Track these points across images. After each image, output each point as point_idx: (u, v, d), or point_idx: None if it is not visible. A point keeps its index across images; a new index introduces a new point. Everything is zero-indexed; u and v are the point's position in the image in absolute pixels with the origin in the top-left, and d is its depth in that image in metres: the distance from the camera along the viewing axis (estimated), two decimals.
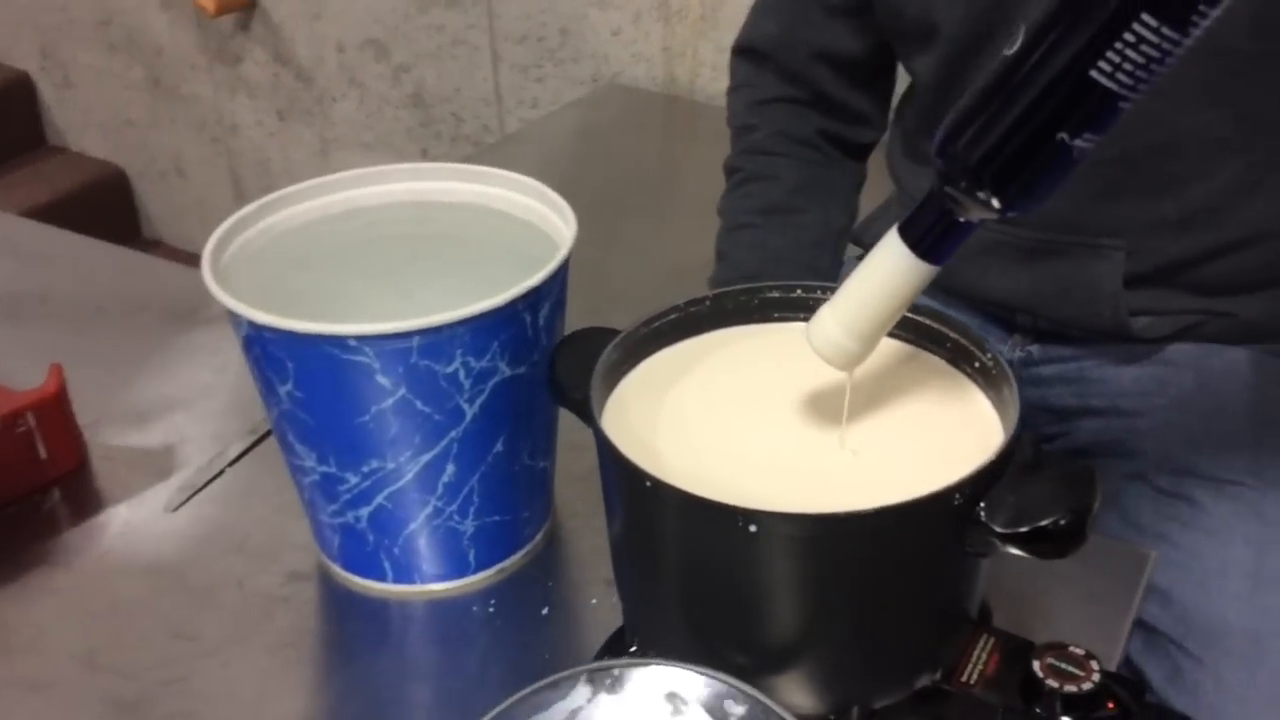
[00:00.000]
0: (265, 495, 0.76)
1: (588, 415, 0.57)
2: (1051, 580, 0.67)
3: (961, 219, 0.52)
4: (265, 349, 0.61)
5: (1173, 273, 0.81)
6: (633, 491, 0.53)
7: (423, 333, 0.58)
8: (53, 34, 2.43)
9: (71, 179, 2.48)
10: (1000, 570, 0.66)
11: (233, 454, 0.79)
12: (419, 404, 0.61)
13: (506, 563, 0.70)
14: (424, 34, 1.95)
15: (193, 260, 1.11)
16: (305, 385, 0.61)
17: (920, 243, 0.53)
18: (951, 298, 0.92)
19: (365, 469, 0.63)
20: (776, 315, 0.64)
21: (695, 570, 0.53)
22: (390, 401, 0.60)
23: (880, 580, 0.51)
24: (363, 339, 0.58)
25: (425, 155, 2.08)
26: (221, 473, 0.78)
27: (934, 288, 0.55)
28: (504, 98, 1.93)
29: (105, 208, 2.51)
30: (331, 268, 0.72)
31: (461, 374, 0.61)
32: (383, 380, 0.60)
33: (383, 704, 0.62)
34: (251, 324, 0.59)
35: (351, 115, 2.12)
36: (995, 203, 0.50)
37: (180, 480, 0.77)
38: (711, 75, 1.71)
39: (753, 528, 0.48)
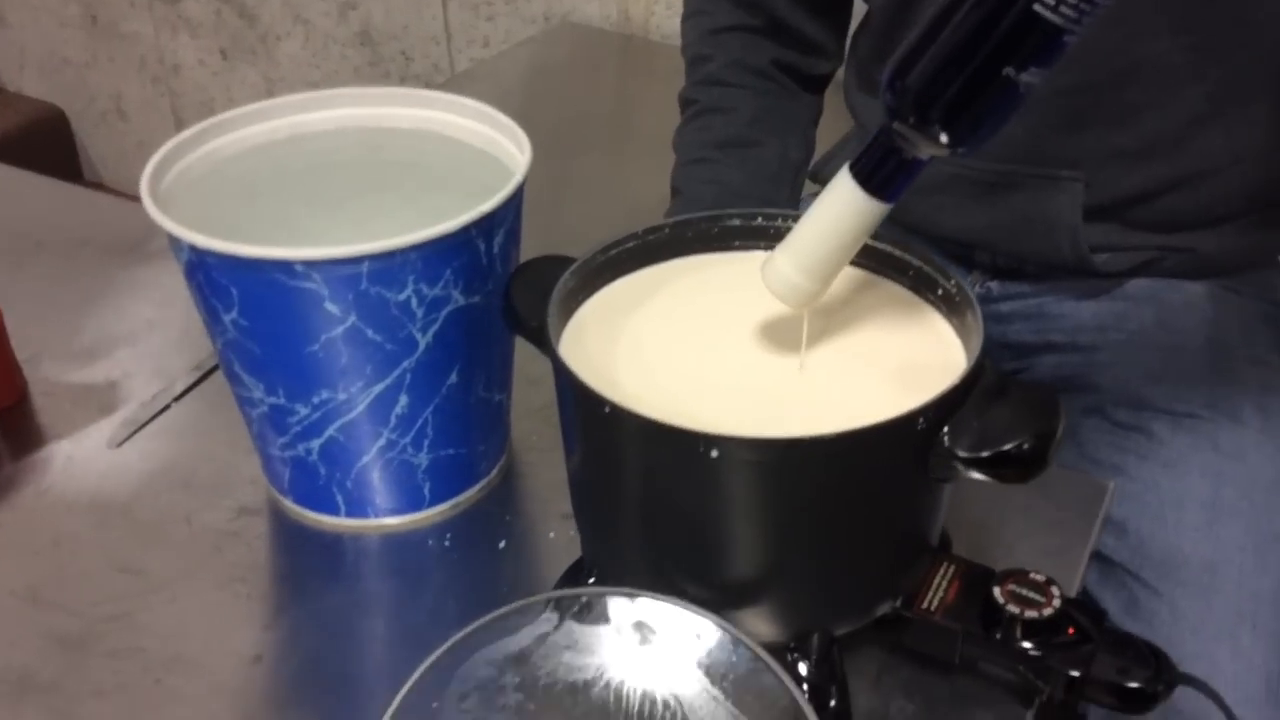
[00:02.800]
0: (212, 430, 0.74)
1: (544, 342, 0.56)
2: (1010, 510, 0.67)
3: (911, 156, 0.52)
4: (208, 275, 0.58)
5: (1131, 205, 0.81)
6: (591, 419, 0.52)
7: (373, 258, 0.57)
8: None
9: (9, 120, 2.40)
10: (960, 499, 0.66)
11: (178, 389, 0.77)
12: (370, 333, 0.59)
13: (462, 497, 0.68)
14: None
15: (136, 200, 1.08)
16: (251, 313, 0.59)
17: (871, 179, 0.52)
18: (910, 235, 0.91)
19: (315, 400, 0.61)
20: (738, 243, 0.62)
21: (654, 498, 0.52)
22: (340, 330, 0.59)
23: (842, 505, 0.50)
24: (310, 264, 0.56)
25: None
26: (167, 408, 0.76)
27: (891, 224, 0.54)
28: (454, 36, 1.89)
29: (45, 149, 2.44)
30: (277, 195, 0.70)
31: (414, 302, 0.59)
32: (332, 308, 0.58)
33: (336, 638, 0.61)
34: (193, 249, 0.57)
35: (297, 54, 2.06)
36: (943, 138, 0.50)
37: (124, 416, 0.75)
38: (666, 13, 1.68)
39: (714, 453, 0.47)
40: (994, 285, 0.90)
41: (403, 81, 1.98)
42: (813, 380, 0.55)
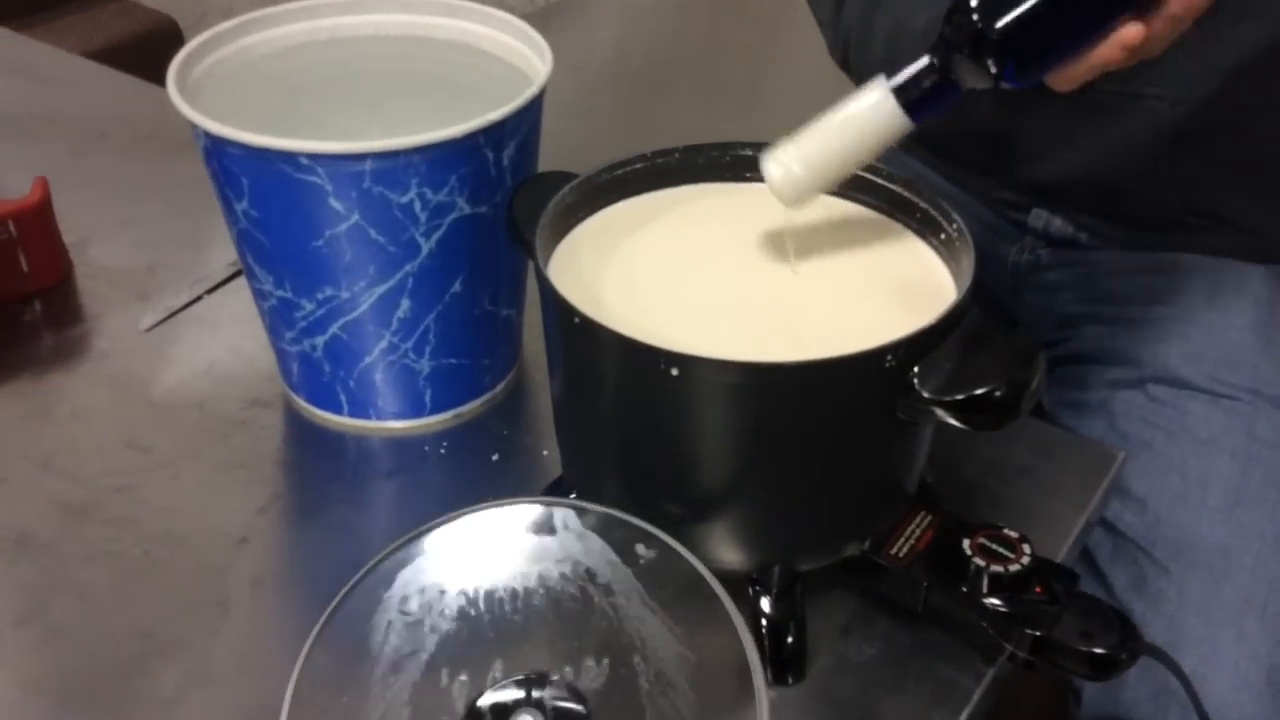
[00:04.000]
0: (238, 325, 0.76)
1: (532, 253, 0.56)
2: (1009, 470, 0.65)
3: (956, 82, 0.52)
4: (222, 163, 0.60)
5: (1222, 132, 0.75)
6: (566, 330, 0.52)
7: (376, 156, 0.57)
8: None
9: (125, 28, 2.47)
10: (956, 455, 0.65)
11: (211, 282, 0.79)
12: (373, 233, 0.60)
13: (463, 408, 0.69)
14: None
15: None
16: (260, 204, 0.60)
17: (908, 94, 0.52)
18: (967, 193, 0.89)
19: (320, 296, 0.63)
20: (748, 175, 0.62)
21: (622, 414, 0.52)
22: (343, 227, 0.59)
23: (806, 437, 0.49)
24: (315, 157, 0.57)
25: None
26: (199, 299, 0.78)
27: (950, 183, 0.53)
28: None
29: (157, 58, 2.51)
30: (309, 96, 0.71)
31: (417, 205, 0.59)
32: (335, 204, 0.59)
33: (322, 530, 0.62)
34: (208, 135, 0.59)
35: None
36: (997, 72, 0.50)
37: (159, 303, 0.77)
38: None
39: (675, 370, 0.47)
40: (1044, 253, 0.87)
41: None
42: (797, 309, 0.54)
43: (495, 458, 0.67)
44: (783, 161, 0.54)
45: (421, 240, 0.61)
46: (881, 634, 0.56)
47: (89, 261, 0.81)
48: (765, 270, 0.56)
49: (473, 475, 0.65)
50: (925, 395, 0.47)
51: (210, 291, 0.79)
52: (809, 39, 1.53)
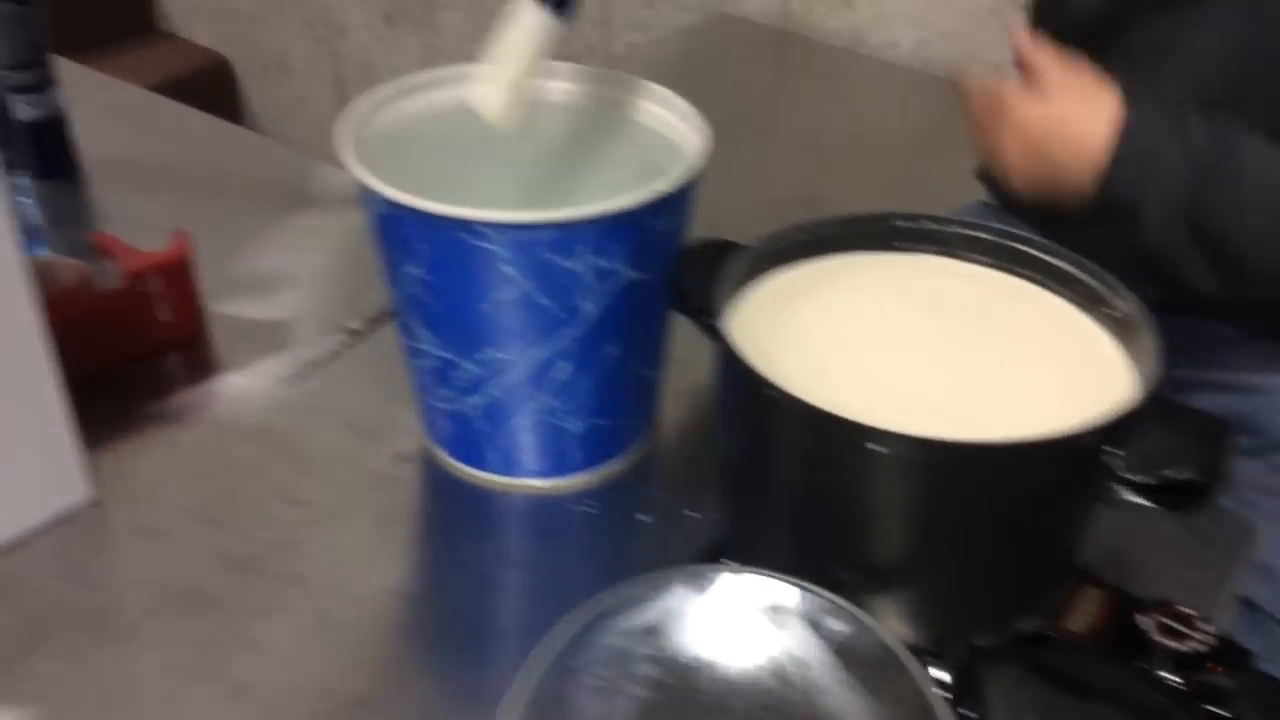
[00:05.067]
0: (377, 378, 0.77)
1: (709, 322, 0.57)
2: (1152, 540, 0.66)
3: None
4: (397, 229, 0.61)
5: None
6: (752, 400, 0.53)
7: (553, 227, 0.59)
8: None
9: (179, 65, 2.52)
10: (1101, 524, 0.66)
11: (348, 335, 0.80)
12: (541, 298, 0.61)
13: (607, 467, 0.70)
14: None
15: (305, 151, 1.12)
16: (433, 268, 0.62)
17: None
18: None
19: (481, 357, 0.64)
20: (898, 245, 0.63)
21: (806, 484, 0.53)
22: (513, 292, 0.61)
23: (998, 514, 0.50)
24: (494, 226, 0.59)
25: None
26: (337, 353, 0.79)
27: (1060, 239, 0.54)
28: (613, 19, 1.92)
29: (209, 97, 2.54)
30: (458, 158, 0.73)
31: (585, 273, 0.61)
32: (508, 270, 0.60)
33: (480, 586, 0.63)
34: (386, 201, 0.60)
35: (459, 25, 2.12)
36: None
37: (294, 355, 0.79)
38: (827, 10, 1.68)
39: (877, 446, 0.48)
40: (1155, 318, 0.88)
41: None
42: (972, 383, 0.55)
43: (644, 518, 0.68)
44: (485, 92, 0.65)
45: (586, 305, 0.62)
46: (1052, 707, 0.56)
47: (222, 314, 0.83)
48: (936, 340, 0.58)
49: (625, 536, 0.66)
50: (1125, 477, 0.48)
51: (346, 346, 0.80)
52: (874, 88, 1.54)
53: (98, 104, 1.02)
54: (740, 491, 0.59)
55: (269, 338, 0.81)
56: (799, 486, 0.54)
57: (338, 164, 1.00)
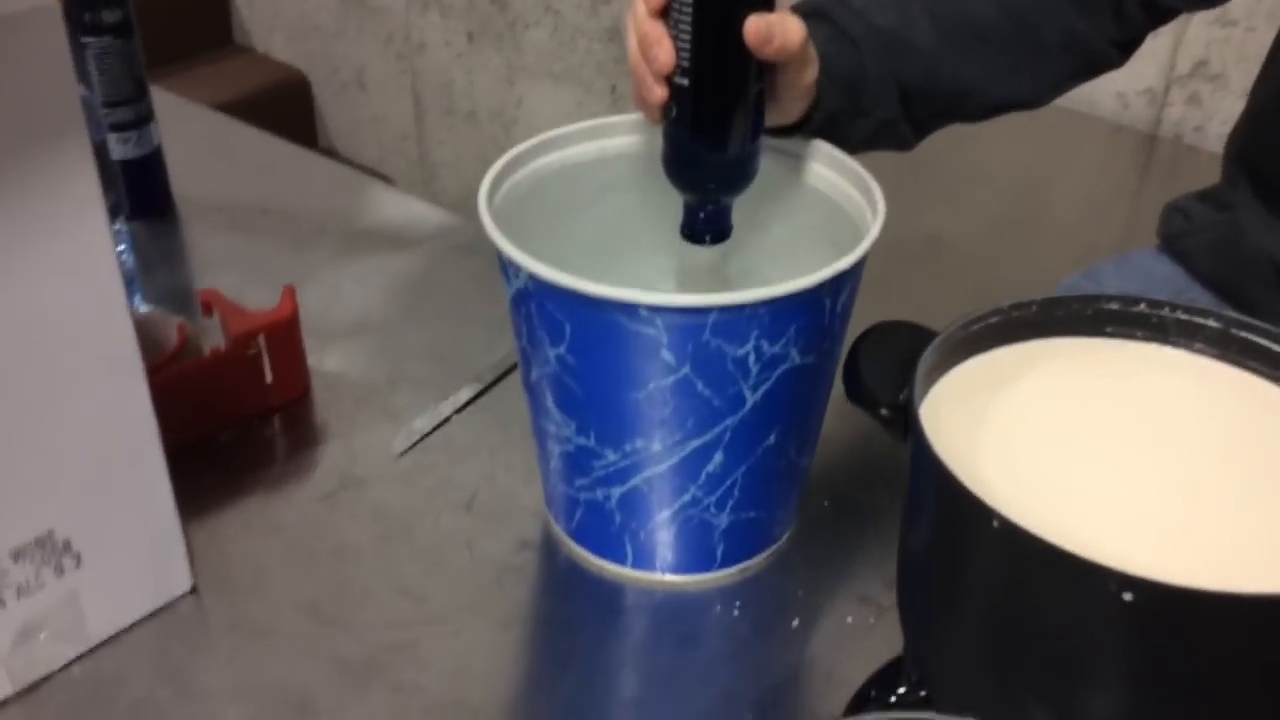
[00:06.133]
0: (492, 450, 0.71)
1: (889, 415, 0.51)
2: None
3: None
4: (541, 306, 0.55)
5: None
6: (964, 525, 0.46)
7: (722, 310, 0.52)
8: None
9: (255, 80, 2.49)
10: None
11: (460, 400, 0.75)
12: (700, 386, 0.55)
13: (751, 562, 0.64)
14: None
15: (368, 174, 1.06)
16: (580, 350, 0.55)
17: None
18: None
19: (628, 447, 0.58)
20: (1110, 329, 0.56)
21: (1028, 620, 0.46)
22: (670, 380, 0.54)
23: (1264, 676, 0.43)
24: (656, 309, 0.52)
25: (614, 92, 2.01)
26: (448, 419, 0.73)
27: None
28: None
29: (286, 112, 2.52)
30: (595, 219, 0.67)
31: (751, 358, 0.54)
32: (668, 356, 0.54)
33: (635, 704, 0.57)
34: (533, 278, 0.54)
35: (543, 43, 2.06)
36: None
37: (405, 421, 0.73)
38: None
39: (1128, 595, 0.41)
40: None
41: None
42: (1211, 506, 0.48)
43: (795, 623, 0.61)
44: None
45: (748, 393, 0.56)
46: None
47: (327, 372, 0.77)
48: (1165, 447, 0.50)
49: (774, 644, 0.60)
50: None
51: (458, 411, 0.74)
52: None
53: (181, 133, 0.97)
54: (932, 610, 0.52)
55: (375, 401, 0.75)
56: (1013, 618, 0.47)
57: (434, 200, 0.94)
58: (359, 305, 0.84)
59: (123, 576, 0.59)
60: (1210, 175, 1.43)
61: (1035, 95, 0.73)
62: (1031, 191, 1.42)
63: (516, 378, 0.77)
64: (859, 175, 0.61)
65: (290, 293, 0.73)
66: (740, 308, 0.52)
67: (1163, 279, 0.85)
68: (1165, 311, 0.55)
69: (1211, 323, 0.54)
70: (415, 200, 0.97)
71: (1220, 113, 1.39)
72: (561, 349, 0.56)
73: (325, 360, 0.78)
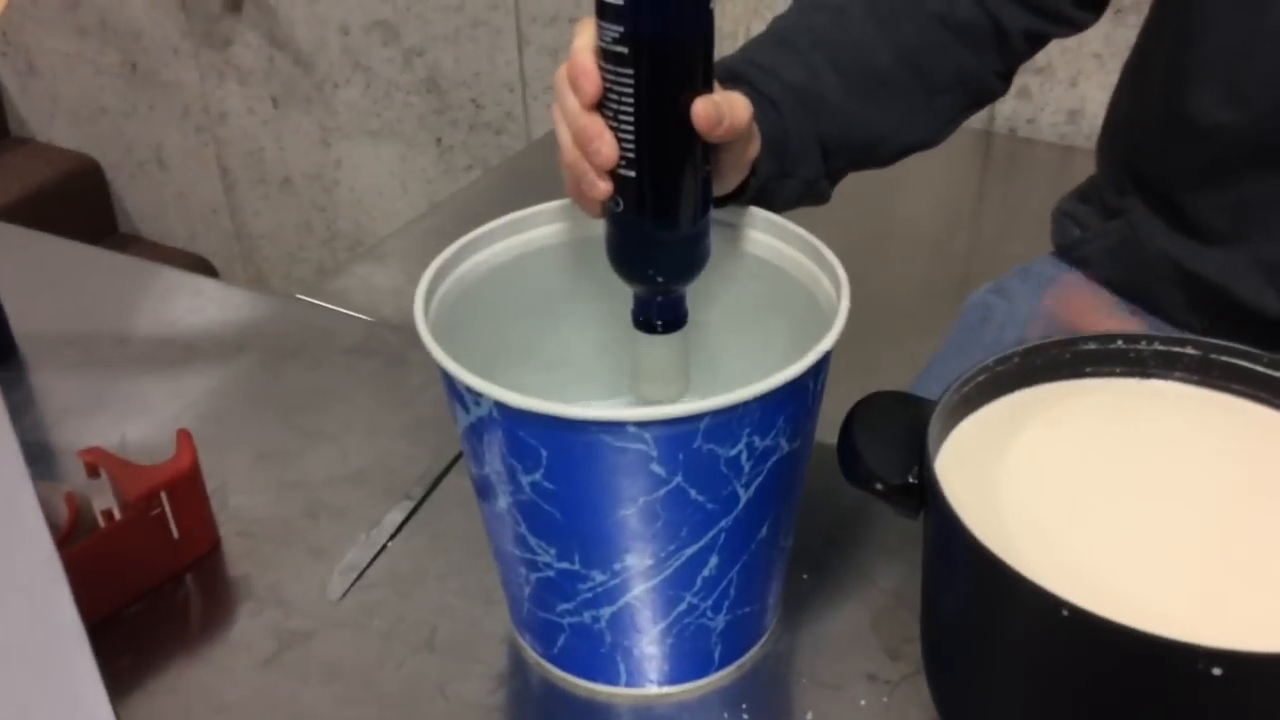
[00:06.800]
0: (440, 576, 0.65)
1: (900, 499, 0.48)
2: None
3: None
4: (512, 434, 0.50)
5: None
6: (1022, 614, 0.44)
7: (714, 414, 0.49)
8: (13, 16, 2.25)
9: (42, 172, 2.31)
10: None
11: (391, 525, 0.68)
12: (693, 493, 0.51)
13: (747, 657, 0.60)
14: (439, 15, 1.82)
15: (173, 257, 0.97)
16: (559, 476, 0.50)
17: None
18: None
19: (617, 566, 0.53)
20: (1090, 370, 0.55)
21: (1106, 708, 0.44)
22: (661, 492, 0.50)
23: None
24: (644, 424, 0.48)
25: (439, 144, 1.95)
26: (384, 548, 0.67)
27: None
28: (530, 83, 1.81)
29: (79, 202, 2.35)
30: (526, 318, 0.62)
31: (744, 456, 0.51)
32: (658, 469, 0.50)
33: None
34: (500, 406, 0.49)
35: (356, 102, 1.98)
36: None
37: (335, 559, 0.66)
38: None
39: (1217, 670, 0.39)
40: None
41: (472, 129, 1.89)
42: (1248, 550, 0.47)
43: (810, 716, 0.58)
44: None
45: (741, 491, 0.52)
46: None
47: (235, 515, 0.69)
48: (1188, 490, 0.49)
49: None
50: None
51: (393, 538, 0.68)
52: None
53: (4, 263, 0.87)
54: (984, 702, 0.49)
55: (297, 539, 0.68)
56: (1079, 703, 0.45)
57: (261, 277, 0.86)
58: (252, 430, 0.76)
59: None
60: (1047, 165, 1.49)
61: (934, 134, 0.73)
62: (880, 202, 1.44)
63: (447, 490, 0.71)
64: (803, 239, 0.59)
65: (187, 437, 0.65)
66: (733, 408, 0.49)
67: (1069, 285, 0.85)
68: (1142, 345, 0.54)
69: (1190, 350, 0.54)
70: (290, 300, 0.90)
71: (1050, 103, 1.44)
72: (537, 475, 0.51)
73: (229, 501, 0.70)
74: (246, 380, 0.81)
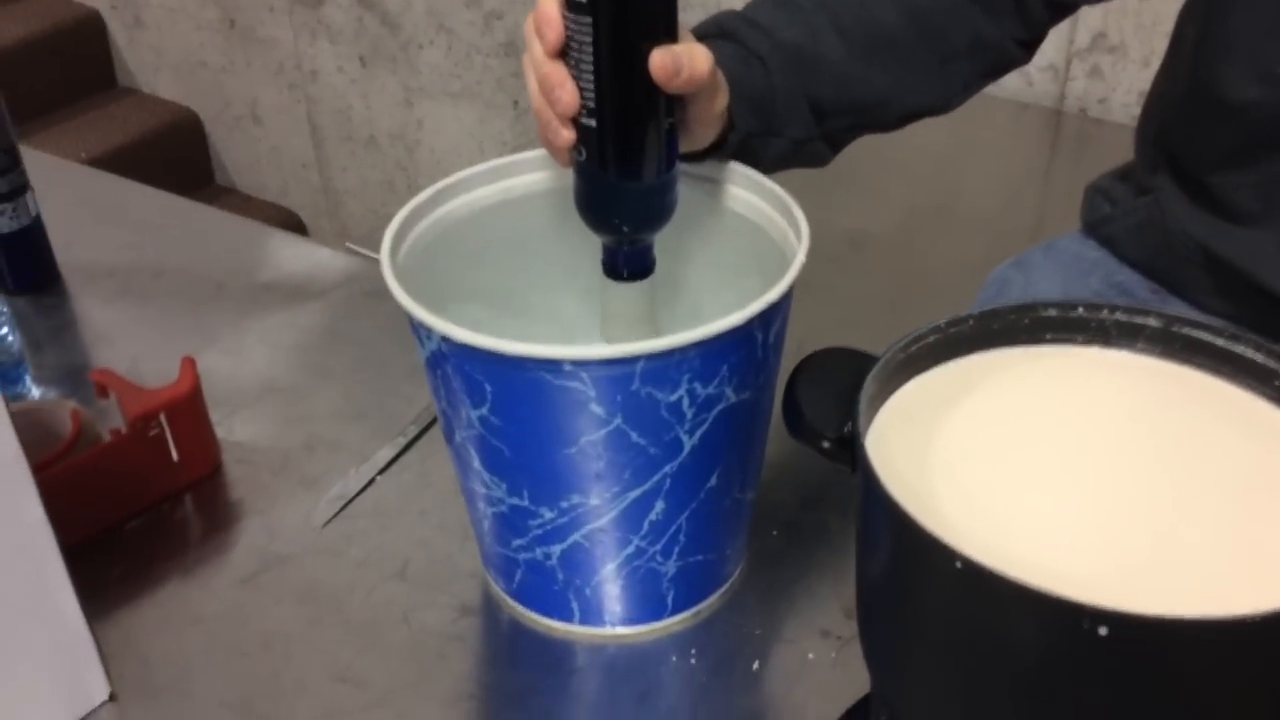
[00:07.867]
0: (423, 511, 0.68)
1: (842, 455, 0.48)
2: None
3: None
4: (459, 368, 0.52)
5: None
6: (928, 568, 0.44)
7: (650, 358, 0.49)
8: None
9: (144, 122, 2.41)
10: None
11: (382, 461, 0.71)
12: (634, 436, 0.52)
13: (704, 605, 0.61)
14: None
15: (264, 210, 1.00)
16: (504, 411, 0.52)
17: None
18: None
19: (564, 504, 0.55)
20: (1049, 336, 0.54)
21: (1004, 662, 0.44)
22: (602, 433, 0.52)
23: (1236, 696, 0.41)
24: (580, 363, 0.49)
25: (516, 107, 1.98)
26: (372, 482, 0.70)
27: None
28: None
29: (177, 153, 2.44)
30: (506, 263, 0.63)
31: (685, 402, 0.52)
32: (597, 409, 0.51)
33: None
34: (447, 340, 0.51)
35: (438, 63, 2.02)
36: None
37: (324, 489, 0.69)
38: None
39: (1102, 630, 0.39)
40: None
41: None
42: (1176, 520, 0.46)
43: (755, 666, 0.58)
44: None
45: (685, 438, 0.53)
46: None
47: (238, 443, 0.73)
48: (1120, 461, 0.49)
49: (737, 691, 0.57)
50: None
51: (380, 472, 0.70)
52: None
53: (60, 197, 0.92)
54: (901, 654, 0.50)
55: (292, 469, 0.71)
56: (980, 658, 0.45)
57: (343, 229, 0.89)
58: (266, 366, 0.79)
59: (33, 692, 0.55)
60: (1117, 147, 1.44)
61: (946, 99, 0.72)
62: (944, 178, 1.42)
63: (440, 430, 0.74)
64: (778, 197, 0.59)
65: (190, 364, 0.69)
66: (669, 353, 0.50)
67: (1091, 263, 0.84)
68: (1104, 314, 0.53)
69: (1152, 322, 0.53)
70: (316, 246, 0.93)
71: (1123, 83, 1.40)
72: (484, 410, 0.52)
73: (235, 430, 0.74)
74: (268, 320, 0.84)
